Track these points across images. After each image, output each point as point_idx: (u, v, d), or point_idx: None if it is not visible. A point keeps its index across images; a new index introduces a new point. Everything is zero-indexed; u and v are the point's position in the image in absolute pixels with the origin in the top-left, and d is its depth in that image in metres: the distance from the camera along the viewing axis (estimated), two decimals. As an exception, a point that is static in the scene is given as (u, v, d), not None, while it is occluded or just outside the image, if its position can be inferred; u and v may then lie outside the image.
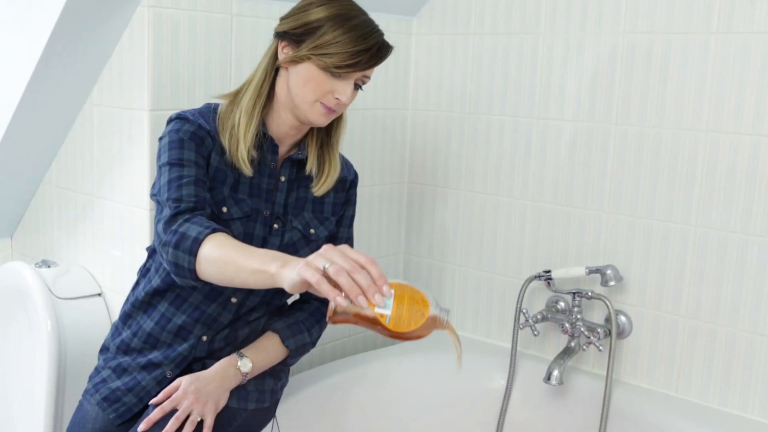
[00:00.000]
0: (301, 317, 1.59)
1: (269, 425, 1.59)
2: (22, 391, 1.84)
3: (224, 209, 1.46)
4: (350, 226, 1.66)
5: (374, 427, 1.89)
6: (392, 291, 1.11)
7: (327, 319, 1.12)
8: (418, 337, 1.13)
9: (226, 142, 1.45)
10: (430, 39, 2.18)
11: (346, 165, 1.63)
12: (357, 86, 1.45)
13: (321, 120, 1.45)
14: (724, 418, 1.73)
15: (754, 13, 1.65)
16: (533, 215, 2.02)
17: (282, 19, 1.47)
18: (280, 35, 1.45)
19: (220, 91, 1.77)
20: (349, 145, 2.09)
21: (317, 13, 1.40)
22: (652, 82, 1.80)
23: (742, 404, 1.74)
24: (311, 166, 1.53)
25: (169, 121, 1.47)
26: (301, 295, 1.64)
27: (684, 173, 1.77)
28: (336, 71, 1.40)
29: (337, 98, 1.42)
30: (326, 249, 1.14)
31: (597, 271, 1.84)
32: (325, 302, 1.61)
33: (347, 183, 1.62)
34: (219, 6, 1.75)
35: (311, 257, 1.14)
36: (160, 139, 1.47)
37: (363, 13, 1.44)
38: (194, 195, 1.39)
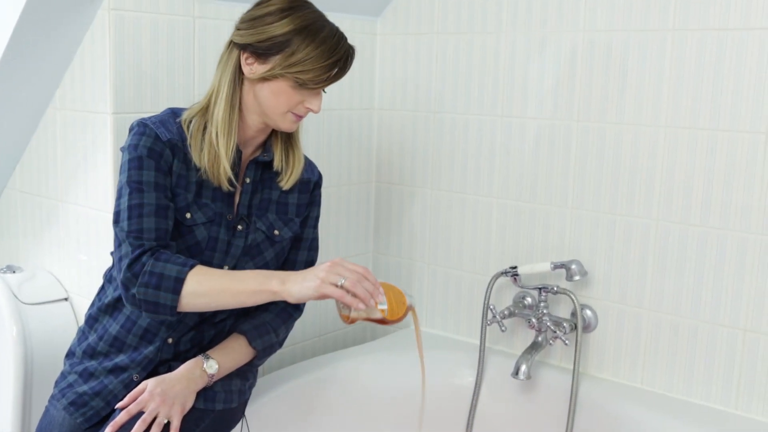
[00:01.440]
0: (268, 318, 1.59)
1: (238, 426, 1.59)
2: (-12, 399, 1.82)
3: (187, 215, 1.46)
4: (315, 226, 1.66)
5: (345, 426, 1.90)
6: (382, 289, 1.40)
7: (347, 322, 1.40)
8: (400, 320, 1.43)
9: (201, 159, 1.45)
10: (394, 39, 2.20)
11: (310, 166, 1.64)
12: (324, 91, 1.49)
13: (291, 127, 1.49)
14: (688, 408, 1.76)
15: (708, 11, 1.69)
16: (499, 212, 2.04)
17: (239, 28, 1.45)
18: (241, 47, 1.43)
19: (183, 93, 1.77)
20: (316, 145, 2.09)
21: (282, 27, 1.39)
22: (611, 79, 1.83)
23: (705, 394, 1.78)
24: (278, 163, 1.55)
25: (131, 129, 1.46)
26: None
27: (645, 168, 1.80)
28: (313, 87, 1.43)
29: (308, 108, 1.46)
30: (332, 265, 1.36)
31: (562, 266, 1.87)
32: (291, 305, 1.61)
33: (311, 184, 1.62)
34: (181, 8, 1.74)
35: (322, 274, 1.35)
36: (122, 149, 1.46)
37: (323, 18, 1.45)
38: (154, 229, 1.40)
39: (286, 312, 1.61)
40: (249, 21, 1.43)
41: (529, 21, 1.94)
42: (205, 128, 1.46)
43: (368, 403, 1.95)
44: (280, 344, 1.60)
